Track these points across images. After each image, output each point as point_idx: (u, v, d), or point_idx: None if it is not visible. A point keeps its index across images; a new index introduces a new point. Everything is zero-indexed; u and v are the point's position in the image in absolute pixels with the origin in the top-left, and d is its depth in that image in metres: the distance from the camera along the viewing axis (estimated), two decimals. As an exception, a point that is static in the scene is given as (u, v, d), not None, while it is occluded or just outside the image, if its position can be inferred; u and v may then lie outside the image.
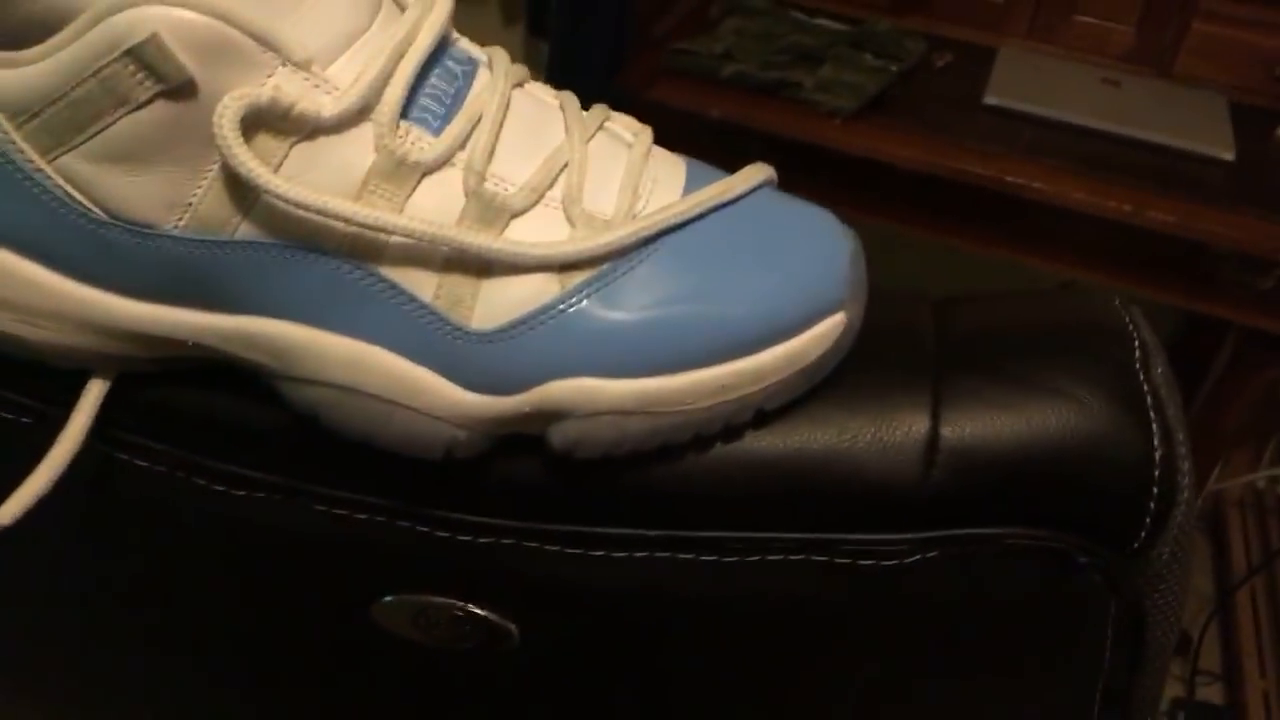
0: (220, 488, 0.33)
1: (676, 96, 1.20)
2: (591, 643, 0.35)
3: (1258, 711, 1.27)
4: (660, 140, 0.33)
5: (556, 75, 1.19)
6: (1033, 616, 0.34)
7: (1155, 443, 0.31)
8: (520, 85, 0.31)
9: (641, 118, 0.33)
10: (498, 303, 0.28)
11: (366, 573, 0.35)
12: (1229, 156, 1.16)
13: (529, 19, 1.47)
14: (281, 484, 0.33)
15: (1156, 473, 0.31)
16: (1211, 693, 1.41)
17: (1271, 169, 1.18)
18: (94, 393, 0.31)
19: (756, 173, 0.32)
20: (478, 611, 0.34)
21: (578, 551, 0.33)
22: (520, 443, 0.31)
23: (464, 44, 0.31)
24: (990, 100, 1.21)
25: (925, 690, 0.36)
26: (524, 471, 0.32)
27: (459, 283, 0.28)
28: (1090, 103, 1.21)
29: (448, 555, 0.33)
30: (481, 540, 0.33)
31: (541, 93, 0.32)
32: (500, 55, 0.31)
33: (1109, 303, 0.35)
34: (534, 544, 0.33)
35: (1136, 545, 0.32)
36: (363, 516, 0.33)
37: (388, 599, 0.35)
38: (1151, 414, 0.31)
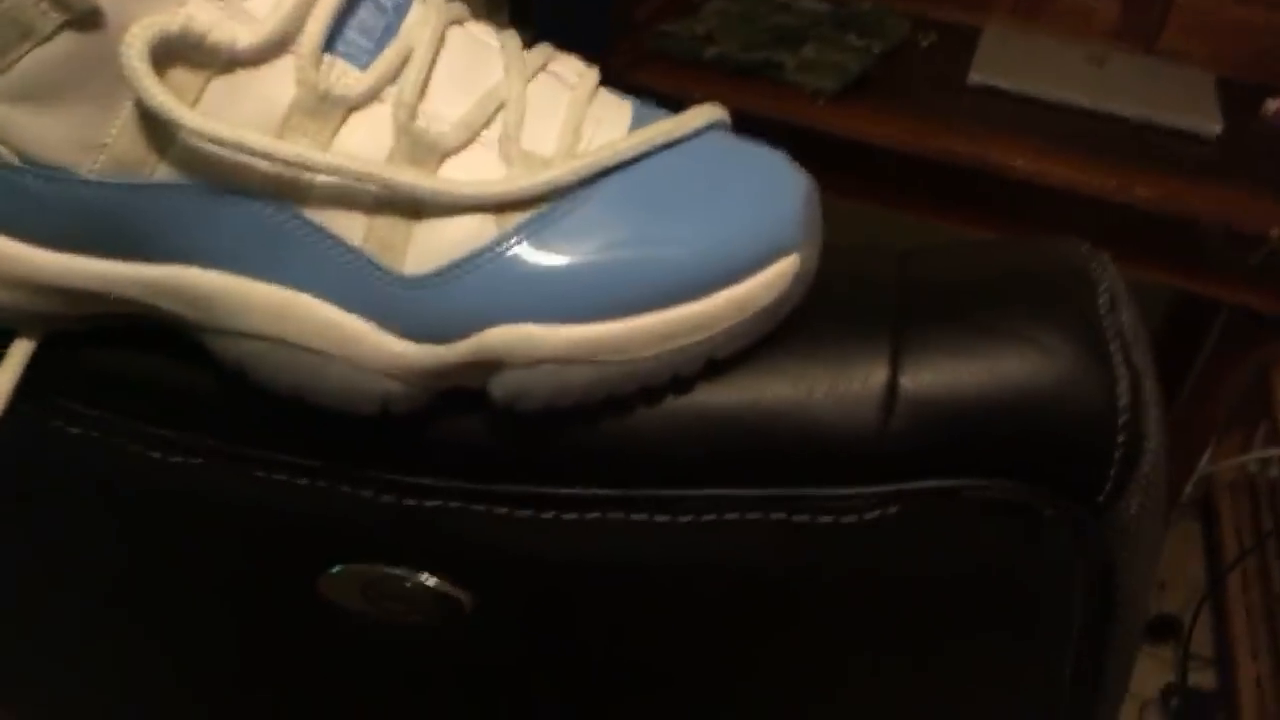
0: (155, 454, 0.32)
1: (660, 80, 1.19)
2: (546, 611, 0.34)
3: (1250, 695, 1.26)
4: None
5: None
6: (998, 575, 0.32)
7: (1122, 388, 0.30)
8: (459, 23, 0.30)
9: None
10: (430, 246, 0.27)
11: (311, 543, 0.34)
12: (1215, 132, 1.15)
13: (512, 5, 1.46)
14: (217, 449, 0.32)
15: (1122, 420, 0.30)
16: (1203, 678, 1.40)
17: (1259, 144, 1.17)
18: (18, 354, 0.30)
19: (706, 112, 0.31)
20: (427, 581, 0.33)
21: (527, 513, 0.31)
22: (464, 400, 0.30)
23: (396, -20, 0.30)
24: (975, 79, 1.19)
25: (889, 654, 0.34)
26: (468, 429, 0.31)
27: (389, 225, 0.27)
28: (1075, 81, 1.20)
29: (393, 521, 0.32)
30: (427, 504, 0.32)
31: (481, 32, 0.30)
32: None
33: (1074, 248, 0.34)
34: (481, 506, 0.31)
35: (1103, 497, 0.30)
36: (303, 481, 0.32)
37: (335, 570, 0.34)
38: (1118, 359, 0.30)
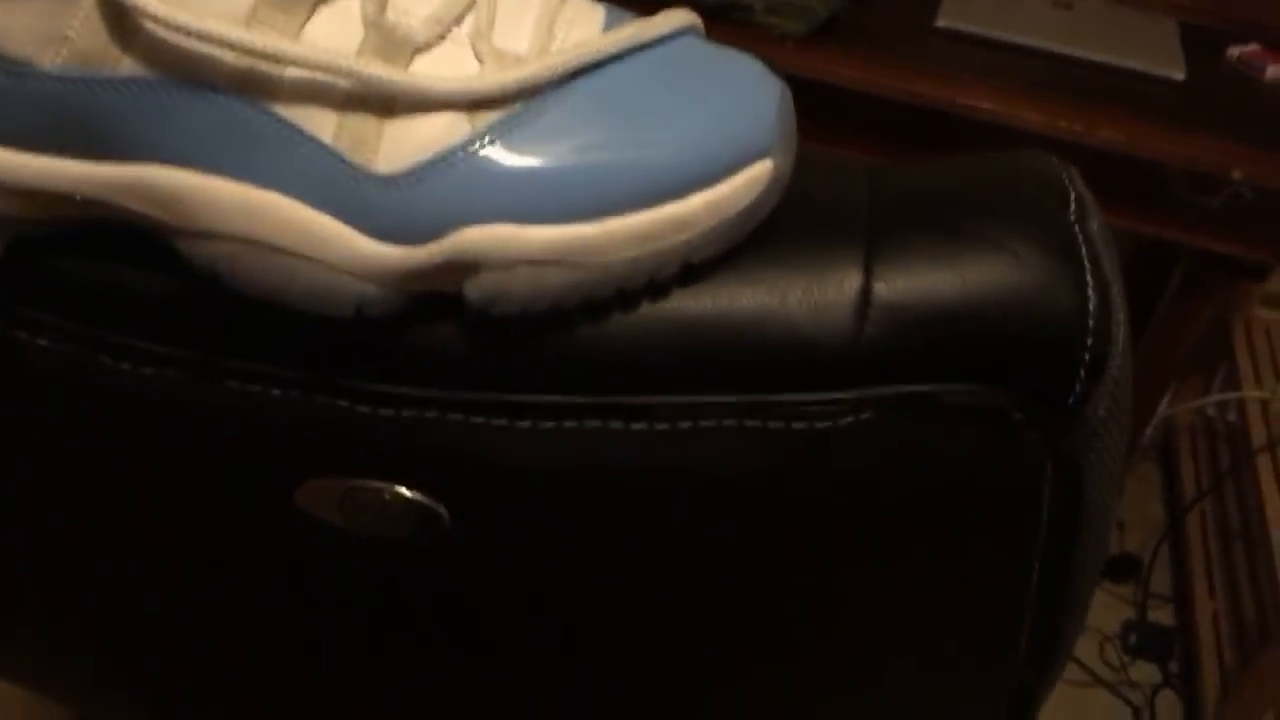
0: (126, 365, 0.32)
1: (625, 22, 1.18)
2: (525, 523, 0.34)
3: (1207, 632, 1.30)
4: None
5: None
6: (969, 478, 0.33)
7: (1090, 294, 0.30)
8: (426, -80, 0.29)
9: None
10: (402, 144, 0.27)
11: (287, 454, 0.34)
12: (1179, 76, 1.15)
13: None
14: (191, 359, 0.32)
15: (1091, 323, 0.30)
16: (1162, 614, 1.44)
17: (1222, 89, 1.18)
18: (-19, 259, 0.29)
19: (679, 16, 0.30)
20: (405, 493, 0.33)
21: (503, 422, 0.31)
22: (440, 307, 0.30)
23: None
24: (942, 23, 1.19)
25: (864, 558, 0.35)
26: (445, 338, 0.31)
27: (361, 122, 0.27)
28: (1041, 25, 1.20)
29: (371, 432, 0.32)
30: (404, 414, 0.32)
31: (449, -68, 0.30)
32: None
33: (1045, 159, 0.34)
34: (458, 415, 0.31)
35: (1071, 400, 0.31)
36: (276, 392, 0.32)
37: (312, 482, 0.34)
38: (1086, 265, 0.31)
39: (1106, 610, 1.43)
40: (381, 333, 0.30)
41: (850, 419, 0.31)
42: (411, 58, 0.27)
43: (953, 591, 0.37)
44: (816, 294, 0.30)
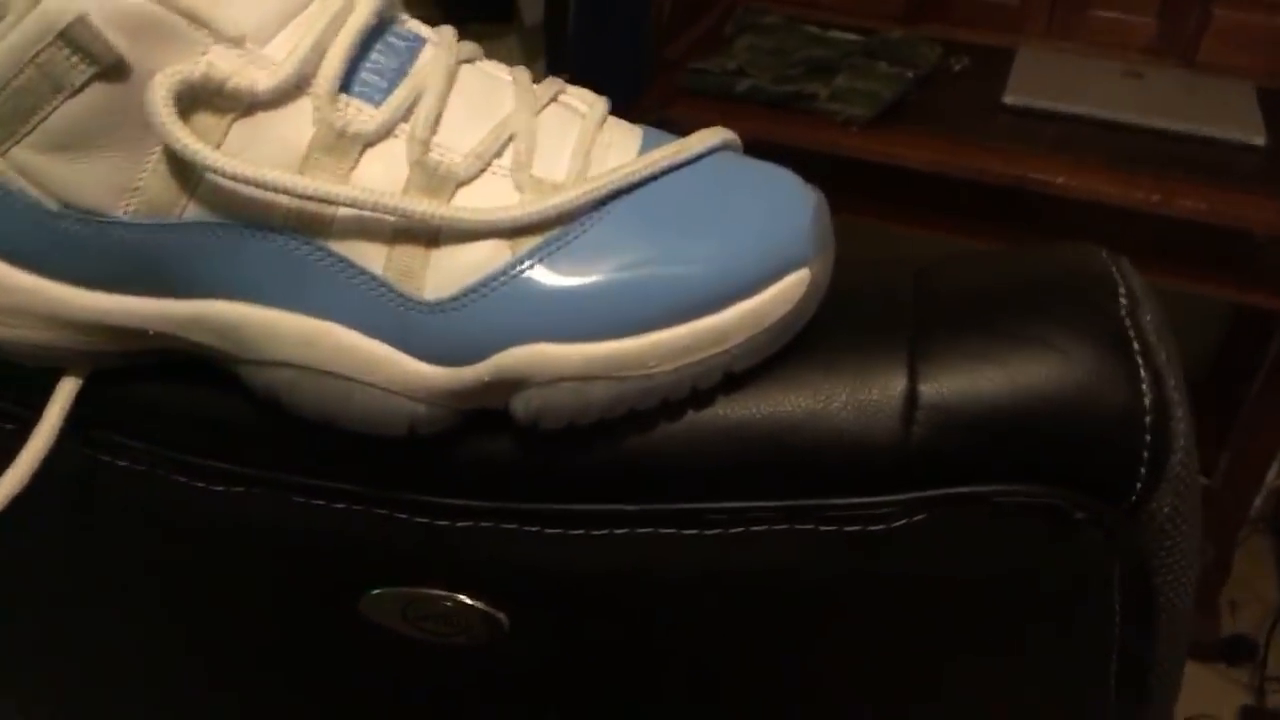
0: (199, 484, 0.33)
1: (695, 116, 1.21)
2: (582, 628, 0.35)
3: (1334, 716, 1.22)
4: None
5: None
6: (1033, 581, 0.32)
7: (1144, 389, 0.30)
8: (470, 61, 0.31)
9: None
10: (448, 271, 0.28)
11: (351, 566, 0.35)
12: (1260, 141, 1.13)
13: (549, 54, 1.49)
14: (258, 477, 0.33)
15: (1148, 419, 0.30)
16: (1284, 700, 1.36)
17: (1307, 152, 1.15)
18: (65, 391, 0.31)
19: (713, 134, 0.31)
20: (466, 601, 0.34)
21: (557, 531, 0.32)
22: (491, 421, 0.31)
23: (411, 24, 0.31)
24: (1010, 100, 1.19)
25: (927, 662, 0.34)
26: (496, 450, 0.31)
27: (408, 253, 0.28)
28: (1113, 96, 1.19)
29: (430, 543, 0.33)
30: (459, 524, 0.32)
31: (493, 69, 0.31)
32: (447, 32, 0.31)
33: (1093, 252, 0.34)
34: (513, 525, 0.32)
35: (1134, 498, 0.30)
36: (340, 506, 0.33)
37: (375, 592, 0.34)
38: (1139, 360, 0.30)
39: (1223, 695, 1.35)
40: (435, 448, 0.31)
41: (903, 521, 0.31)
42: (454, 191, 0.28)
43: (1024, 687, 0.35)
44: (862, 396, 0.31)
